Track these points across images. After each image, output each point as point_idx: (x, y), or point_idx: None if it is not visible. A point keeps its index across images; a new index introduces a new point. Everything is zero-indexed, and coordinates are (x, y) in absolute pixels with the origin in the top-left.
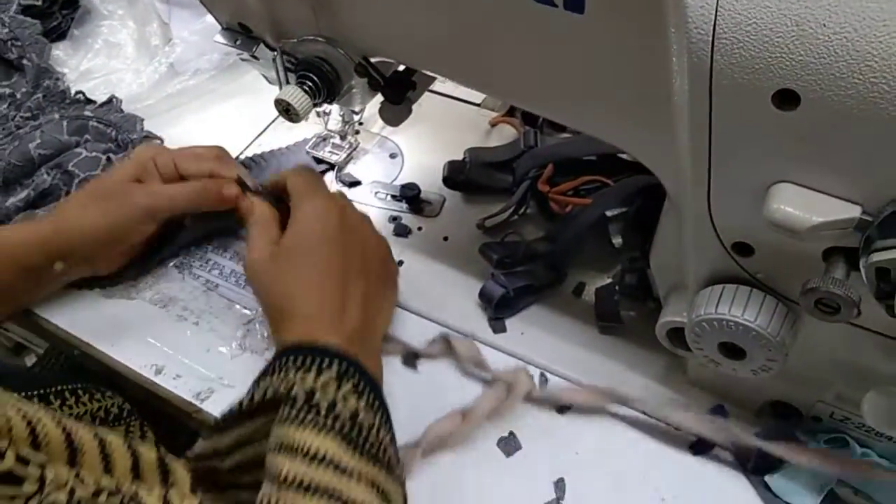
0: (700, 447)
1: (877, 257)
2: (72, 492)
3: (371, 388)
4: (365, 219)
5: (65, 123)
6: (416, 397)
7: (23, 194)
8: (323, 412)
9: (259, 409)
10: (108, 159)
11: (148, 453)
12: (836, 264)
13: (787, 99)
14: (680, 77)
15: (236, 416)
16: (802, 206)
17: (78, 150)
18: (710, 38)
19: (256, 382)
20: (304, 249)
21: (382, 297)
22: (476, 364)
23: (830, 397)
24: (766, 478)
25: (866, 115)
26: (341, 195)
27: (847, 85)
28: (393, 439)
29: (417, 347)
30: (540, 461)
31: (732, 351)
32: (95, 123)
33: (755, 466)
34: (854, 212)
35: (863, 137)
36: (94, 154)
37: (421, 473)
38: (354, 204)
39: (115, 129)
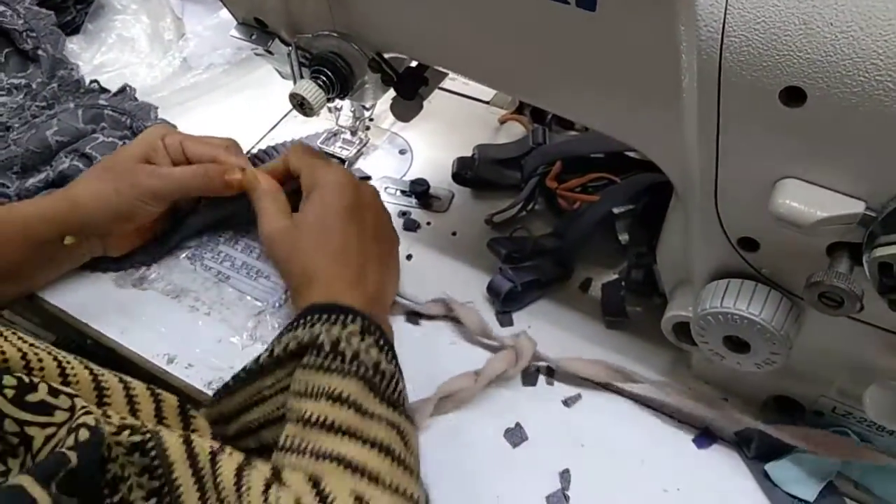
0: (703, 439)
1: (880, 252)
2: (97, 422)
3: (389, 345)
4: (376, 192)
5: (80, 112)
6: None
7: (42, 175)
8: (348, 359)
9: (278, 362)
10: (125, 145)
11: (170, 399)
12: (840, 259)
13: (793, 96)
14: (689, 74)
15: (251, 372)
16: (807, 202)
17: (95, 135)
18: (720, 36)
19: (278, 338)
20: (326, 220)
21: (393, 264)
22: (482, 333)
23: (833, 392)
24: (767, 467)
25: (871, 112)
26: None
27: (853, 83)
28: (404, 389)
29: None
30: (546, 452)
31: (737, 345)
32: (110, 112)
33: (756, 453)
34: (858, 207)
35: (867, 134)
36: (111, 139)
37: (428, 464)
38: None
39: (129, 117)
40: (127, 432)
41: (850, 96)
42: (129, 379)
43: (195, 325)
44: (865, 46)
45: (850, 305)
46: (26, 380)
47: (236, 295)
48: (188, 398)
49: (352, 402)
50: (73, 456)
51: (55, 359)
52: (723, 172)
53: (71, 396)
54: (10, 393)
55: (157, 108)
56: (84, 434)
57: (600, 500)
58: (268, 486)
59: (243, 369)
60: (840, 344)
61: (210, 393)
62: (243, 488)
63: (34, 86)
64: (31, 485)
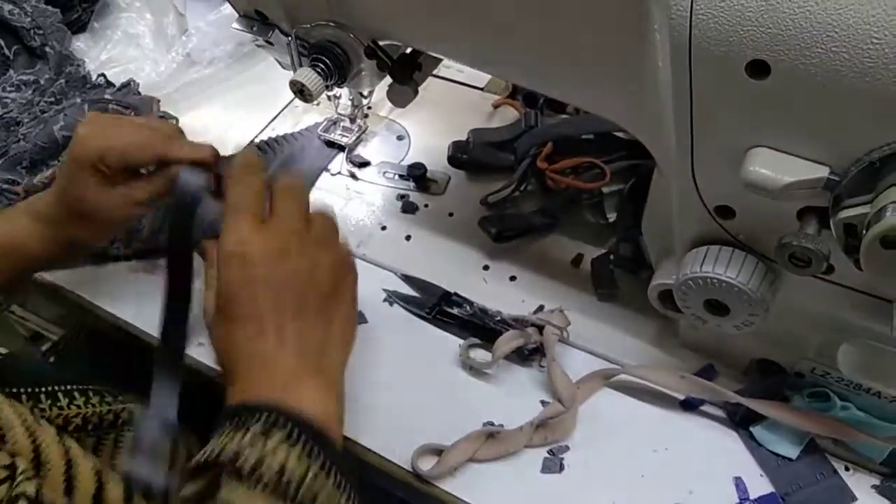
0: (690, 403)
1: (844, 214)
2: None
3: (305, 433)
4: (290, 247)
5: (86, 106)
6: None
7: (48, 172)
8: (247, 471)
9: (199, 469)
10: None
11: (114, 492)
12: (809, 222)
13: (758, 69)
14: (663, 52)
15: (184, 475)
16: (775, 168)
17: None
18: (689, 14)
19: (197, 457)
20: (221, 303)
21: (326, 321)
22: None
23: (811, 353)
24: (751, 428)
25: (829, 82)
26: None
27: (812, 55)
28: (338, 481)
29: None
30: None
31: (717, 308)
32: (115, 105)
33: (742, 419)
34: (823, 172)
35: (827, 103)
36: None
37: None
38: (364, 184)
39: (133, 110)
40: None
41: (810, 67)
42: (76, 455)
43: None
44: (822, 20)
45: (817, 265)
46: None
47: None
48: (200, 377)
49: None
50: None
51: None
52: (697, 144)
53: (11, 456)
54: None
55: (159, 100)
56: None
57: (593, 462)
58: None
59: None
60: (814, 305)
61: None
62: None
63: (42, 82)
64: None
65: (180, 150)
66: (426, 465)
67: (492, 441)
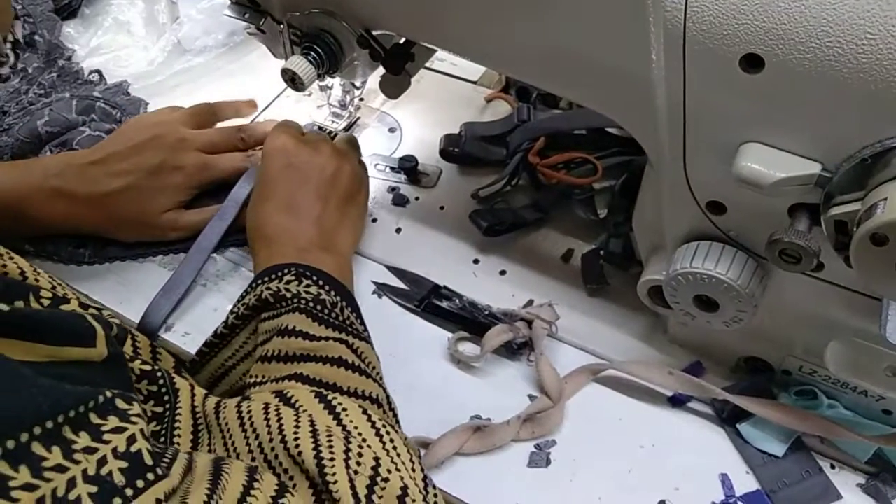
0: (677, 399)
1: (835, 211)
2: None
3: (329, 280)
4: (325, 149)
5: (74, 102)
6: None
7: None
8: (289, 299)
9: (232, 329)
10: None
11: (167, 358)
12: (800, 219)
13: (752, 63)
14: (657, 45)
15: (211, 345)
16: (767, 164)
17: (82, 128)
18: (683, 7)
19: (231, 309)
20: (261, 186)
21: (342, 214)
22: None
23: (799, 351)
24: (738, 425)
25: (823, 77)
26: (314, 134)
27: (806, 49)
28: (359, 318)
29: None
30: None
31: (706, 304)
32: (103, 105)
33: (729, 416)
34: (814, 168)
35: (821, 98)
36: (97, 133)
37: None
38: None
39: (119, 110)
40: (138, 361)
41: (804, 62)
42: (133, 330)
43: (191, 295)
44: (817, 14)
45: (807, 262)
46: (60, 295)
47: (231, 266)
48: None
49: (298, 331)
50: (114, 325)
51: (76, 297)
52: (690, 139)
53: (99, 309)
54: (46, 303)
55: (147, 103)
56: (115, 331)
57: (580, 457)
58: (239, 404)
59: (205, 343)
60: (803, 303)
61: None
62: (220, 409)
63: (30, 70)
64: (90, 318)
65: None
66: None
67: (479, 434)
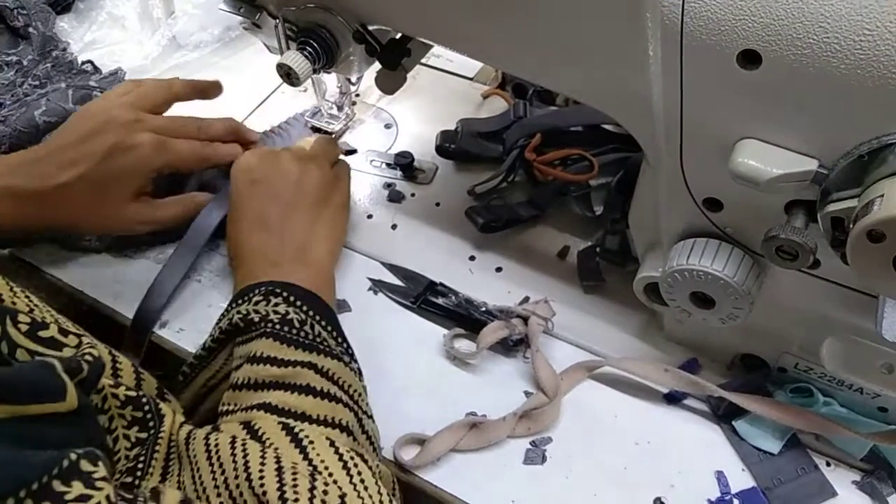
0: (673, 396)
1: (832, 207)
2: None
3: (299, 295)
4: (287, 158)
5: (70, 92)
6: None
7: None
8: (257, 323)
9: (210, 352)
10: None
11: (150, 380)
12: (797, 215)
13: (750, 59)
14: (654, 40)
15: (193, 366)
16: (764, 160)
17: None
18: (681, 2)
19: (210, 333)
20: (233, 206)
21: (312, 220)
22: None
23: (794, 349)
24: (734, 423)
25: (821, 73)
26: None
27: (803, 45)
28: (334, 330)
29: None
30: None
31: (703, 301)
32: (99, 94)
33: (725, 413)
34: (811, 165)
35: (818, 94)
36: None
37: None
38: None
39: None
40: (123, 387)
41: (802, 58)
42: (116, 353)
43: (186, 291)
44: (815, 10)
45: (804, 258)
46: (39, 319)
47: (225, 262)
48: (180, 362)
49: (266, 357)
50: (85, 366)
51: (55, 319)
52: (687, 135)
53: (78, 336)
54: (23, 327)
55: None
56: (89, 357)
57: (575, 454)
58: (207, 436)
59: (187, 364)
60: (799, 300)
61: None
62: (190, 439)
63: (25, 63)
64: (60, 370)
65: (222, 155)
66: (408, 454)
67: (475, 431)
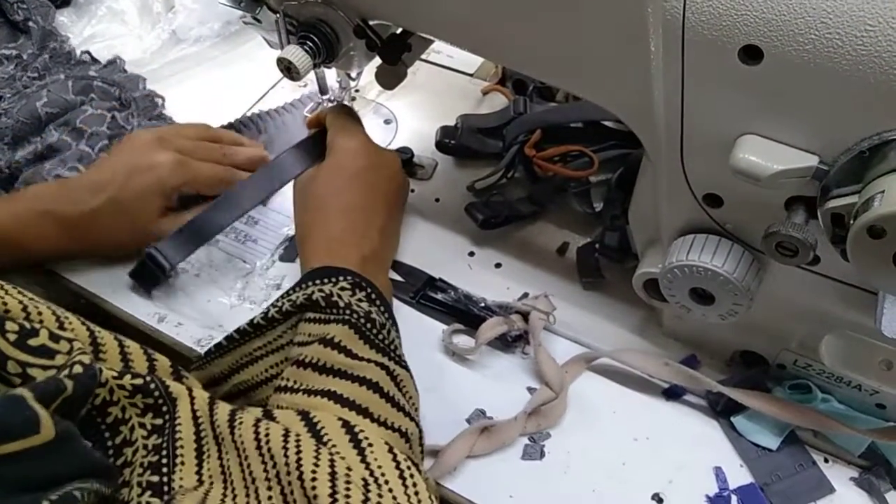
0: (672, 392)
1: (832, 204)
2: (92, 361)
3: (381, 299)
4: (395, 160)
5: (70, 83)
6: None
7: (31, 148)
8: (340, 308)
9: (271, 322)
10: (113, 117)
11: (162, 360)
12: (797, 212)
13: (751, 54)
14: (655, 36)
15: (244, 332)
16: (765, 156)
17: (84, 107)
18: None
19: (274, 302)
20: (338, 181)
21: (397, 229)
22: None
23: (794, 345)
24: (733, 419)
25: (822, 69)
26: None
27: (805, 41)
28: (400, 343)
29: None
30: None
31: (702, 297)
32: (100, 83)
33: (724, 409)
34: (812, 161)
35: (819, 90)
36: (99, 111)
37: None
38: None
39: (118, 88)
40: (128, 376)
41: (803, 53)
42: (123, 338)
43: (185, 286)
44: (816, 6)
45: (804, 254)
46: (28, 326)
47: (225, 257)
48: (178, 357)
49: (342, 346)
50: (69, 384)
51: (54, 313)
52: (688, 130)
53: (70, 341)
54: (12, 337)
55: (145, 79)
56: (78, 368)
57: (574, 449)
58: (258, 422)
59: (236, 330)
60: (799, 296)
61: (200, 350)
62: (236, 423)
63: (25, 56)
64: (31, 400)
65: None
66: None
67: (486, 434)
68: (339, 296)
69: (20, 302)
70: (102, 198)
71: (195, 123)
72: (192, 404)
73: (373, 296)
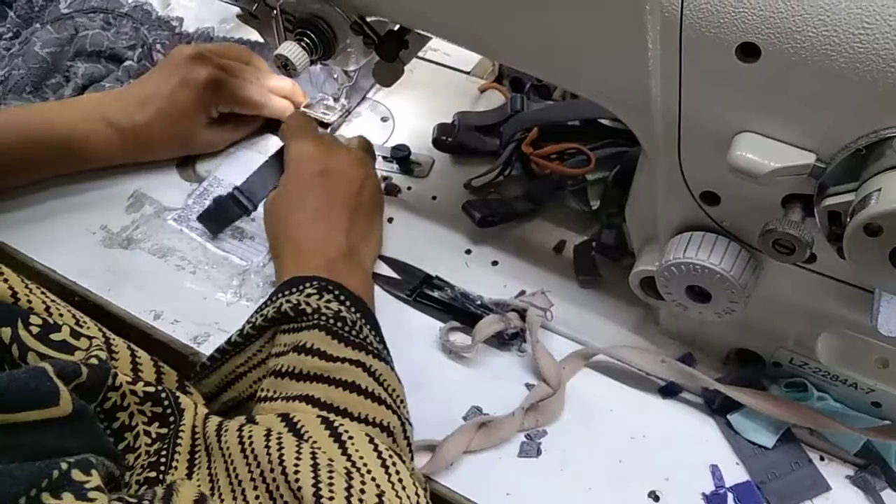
0: (669, 390)
1: (829, 201)
2: (108, 359)
3: (350, 297)
4: (352, 158)
5: (49, 27)
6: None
7: (70, 85)
8: (308, 315)
9: (248, 338)
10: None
11: (170, 373)
12: (794, 209)
13: (749, 51)
14: (653, 33)
15: (224, 351)
16: (762, 153)
17: (84, 32)
18: None
19: (248, 319)
20: (295, 192)
21: (368, 226)
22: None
23: (790, 343)
24: (729, 416)
25: (819, 67)
26: (332, 137)
27: (802, 38)
28: (378, 336)
29: None
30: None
31: (699, 295)
32: (73, 17)
33: (720, 407)
34: (809, 159)
35: (816, 88)
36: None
37: None
38: None
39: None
40: (141, 384)
41: (800, 51)
42: (135, 347)
43: (181, 283)
44: (814, 4)
45: (800, 252)
46: (51, 321)
47: (221, 255)
48: (173, 353)
49: (315, 349)
50: (84, 371)
51: (73, 315)
52: (685, 128)
53: (89, 338)
54: (35, 330)
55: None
56: (94, 361)
57: (570, 447)
58: (241, 427)
59: (217, 350)
60: (795, 294)
61: (195, 347)
62: (222, 431)
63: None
64: (52, 373)
65: (274, 107)
66: (419, 461)
67: (484, 430)
68: (307, 303)
69: (43, 302)
70: (151, 110)
71: (235, 44)
72: (195, 418)
73: (341, 297)
